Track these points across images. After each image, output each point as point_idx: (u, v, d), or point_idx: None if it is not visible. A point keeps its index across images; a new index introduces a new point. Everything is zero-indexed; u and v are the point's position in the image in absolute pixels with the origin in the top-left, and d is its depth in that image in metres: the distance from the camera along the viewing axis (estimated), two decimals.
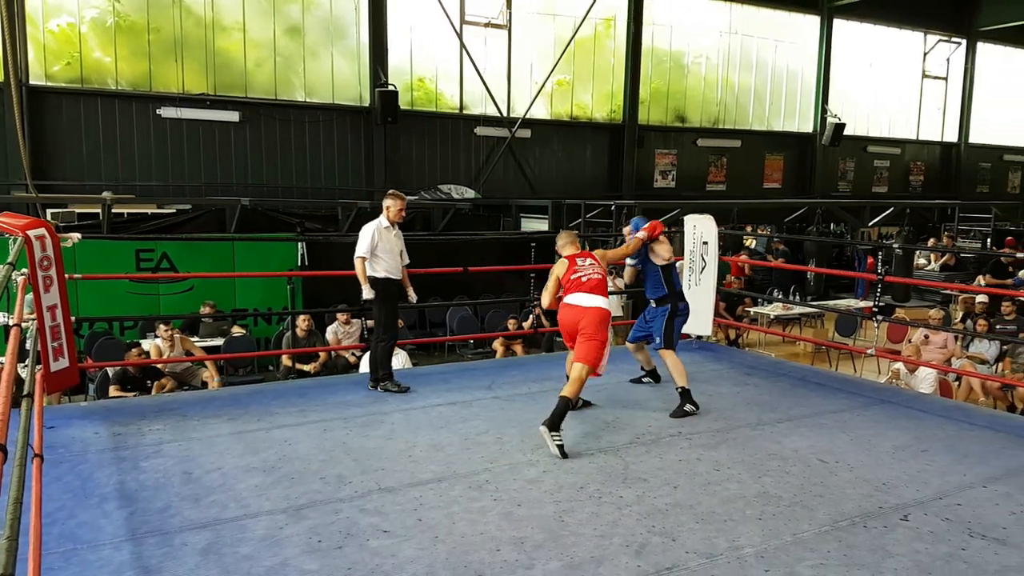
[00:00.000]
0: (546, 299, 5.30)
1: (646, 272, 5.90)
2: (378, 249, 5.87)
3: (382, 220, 5.94)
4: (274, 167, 14.89)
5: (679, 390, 5.54)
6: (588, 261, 5.16)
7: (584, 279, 5.04)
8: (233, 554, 3.30)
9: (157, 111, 13.87)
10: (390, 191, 6.16)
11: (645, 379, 6.32)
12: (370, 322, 9.48)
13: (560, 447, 4.53)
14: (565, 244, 5.37)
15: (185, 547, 3.36)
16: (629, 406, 5.70)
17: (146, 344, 8.79)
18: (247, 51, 14.61)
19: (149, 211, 12.30)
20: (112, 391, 7.74)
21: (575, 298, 5.01)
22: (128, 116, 13.75)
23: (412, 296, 6.28)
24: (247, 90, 14.66)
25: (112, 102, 13.69)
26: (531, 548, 3.39)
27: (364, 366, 8.15)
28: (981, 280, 14.39)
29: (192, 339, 9.12)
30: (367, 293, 5.90)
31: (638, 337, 6.07)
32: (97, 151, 13.61)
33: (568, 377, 5.10)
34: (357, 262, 5.88)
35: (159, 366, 8.16)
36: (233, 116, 14.42)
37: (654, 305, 5.89)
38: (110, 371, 8.04)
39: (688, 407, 5.46)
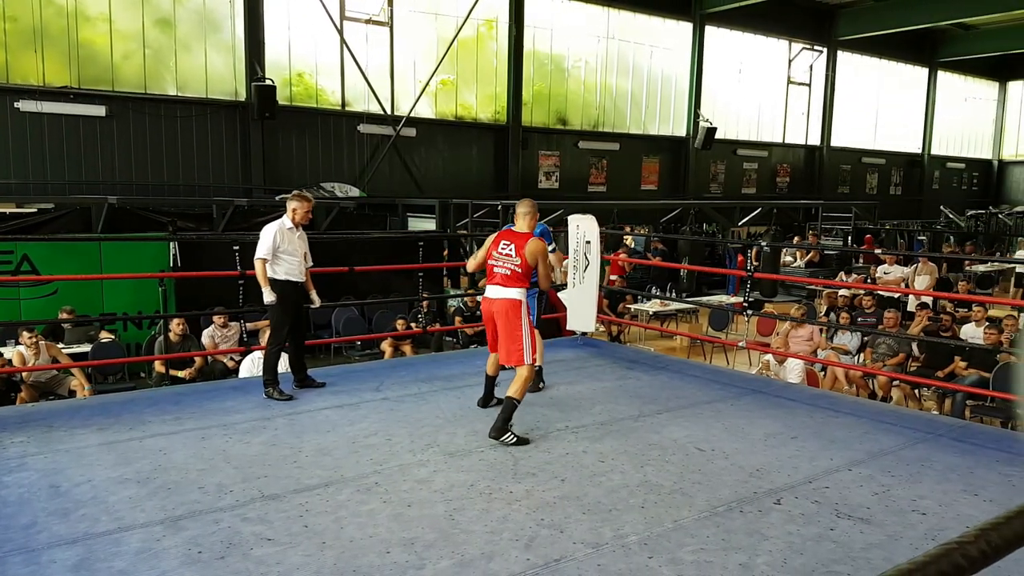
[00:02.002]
0: (470, 264, 5.46)
1: None
2: (279, 250, 5.71)
3: (285, 221, 5.79)
4: (144, 164, 14.22)
5: (537, 367, 6.06)
6: (508, 249, 5.02)
7: (496, 270, 5.04)
8: (107, 569, 3.15)
9: (15, 104, 13.01)
10: (295, 192, 5.99)
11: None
12: (250, 324, 9.23)
13: (517, 440, 4.72)
14: (519, 214, 5.18)
15: (54, 564, 3.17)
16: None
17: (7, 352, 8.25)
18: (114, 43, 13.89)
19: (7, 210, 11.53)
20: None
21: (488, 290, 5.11)
22: None
23: (315, 299, 6.14)
24: (114, 83, 13.95)
25: None
26: (422, 548, 3.38)
27: (244, 371, 7.91)
28: (843, 276, 15.26)
29: (58, 346, 8.61)
30: (268, 296, 5.71)
31: None
32: None
33: (487, 374, 5.50)
34: (257, 263, 5.70)
35: (23, 376, 7.67)
36: (99, 110, 13.68)
37: None
38: None
39: (541, 384, 6.10)
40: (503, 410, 4.80)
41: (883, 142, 28.10)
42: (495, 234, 5.23)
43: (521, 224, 5.15)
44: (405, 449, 4.66)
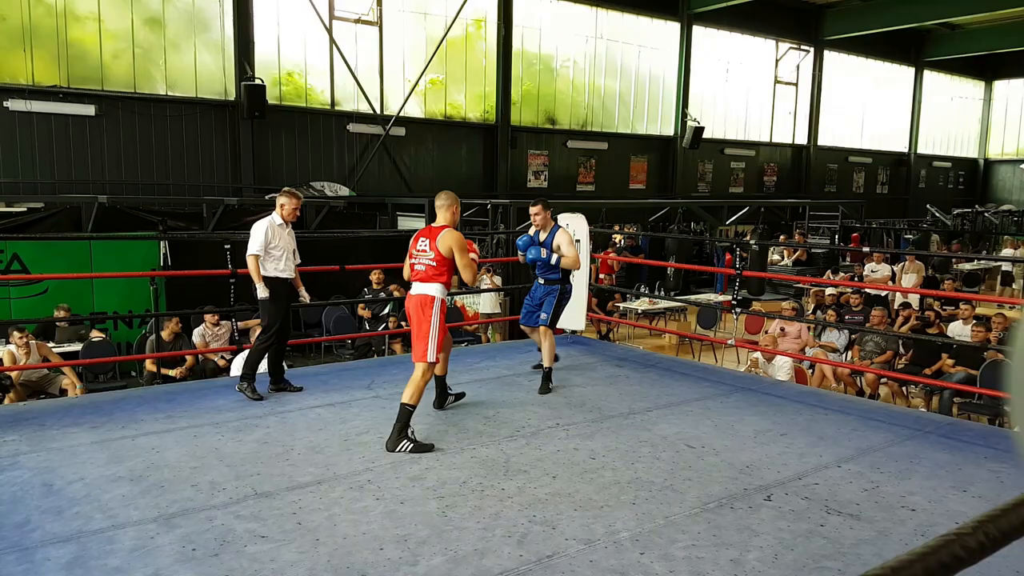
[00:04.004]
0: (405, 271, 5.18)
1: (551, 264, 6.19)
2: (271, 246, 5.73)
3: (275, 218, 5.81)
4: (134, 163, 14.17)
5: (545, 369, 6.07)
6: (424, 244, 4.90)
7: (416, 267, 4.94)
8: (101, 567, 3.16)
9: (4, 104, 12.91)
10: (285, 189, 6.04)
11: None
12: (241, 323, 9.24)
13: (416, 447, 4.57)
14: (437, 207, 5.06)
15: (48, 562, 3.18)
16: (509, 400, 5.80)
17: None
18: (103, 42, 13.82)
19: None
20: None
21: (411, 287, 4.98)
22: None
23: (305, 296, 6.17)
24: (103, 83, 13.88)
25: None
26: (415, 545, 3.41)
27: (235, 369, 7.90)
28: (831, 275, 15.34)
29: (48, 345, 8.59)
30: (262, 292, 5.72)
31: (531, 319, 6.31)
32: None
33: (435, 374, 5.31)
34: (250, 260, 5.71)
35: (11, 376, 7.65)
36: (89, 110, 13.61)
37: (542, 282, 6.24)
38: None
39: (553, 384, 6.07)
40: (397, 418, 4.64)
41: (870, 141, 28.24)
42: (414, 237, 5.06)
43: (441, 217, 5.02)
44: None
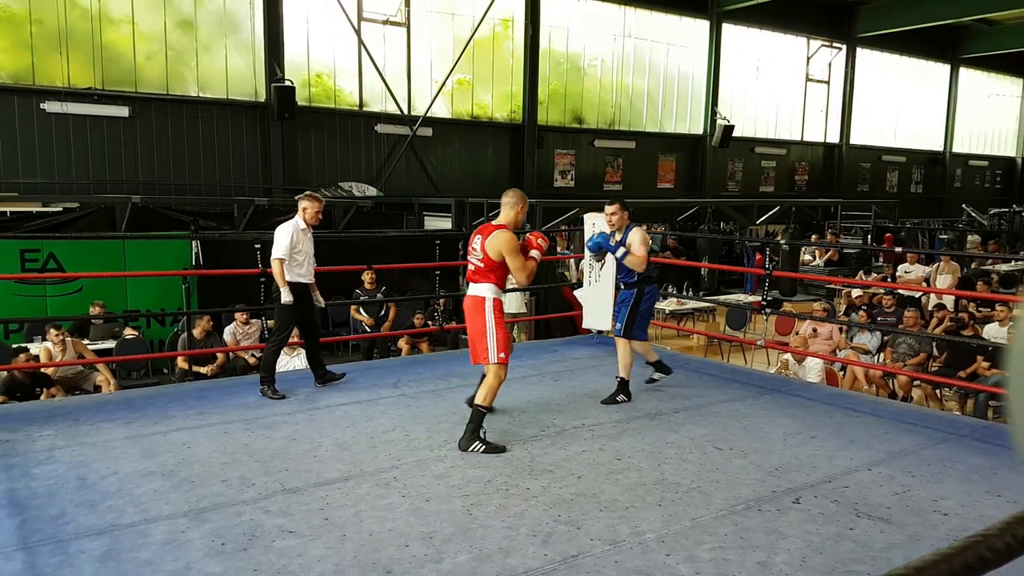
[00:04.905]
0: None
1: (618, 260, 5.95)
2: (294, 251, 5.74)
3: (298, 221, 5.80)
4: (166, 164, 14.37)
5: (618, 378, 5.80)
6: (476, 242, 4.83)
7: (469, 266, 4.90)
8: (133, 560, 3.21)
9: (41, 105, 13.17)
10: (307, 192, 6.00)
11: (656, 375, 6.31)
12: (271, 322, 9.32)
13: (488, 448, 4.58)
14: (502, 204, 4.94)
15: (82, 554, 3.25)
16: (534, 400, 5.80)
17: (34, 348, 8.38)
18: (137, 44, 14.04)
19: (34, 209, 11.68)
20: None
21: (468, 288, 4.95)
22: (9, 110, 12.99)
23: (319, 299, 6.14)
24: (137, 85, 14.09)
25: None
26: (440, 542, 3.42)
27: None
28: (863, 276, 15.16)
29: (83, 342, 8.75)
30: (286, 296, 5.72)
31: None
32: None
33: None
34: (275, 264, 5.71)
35: (48, 374, 7.79)
36: (123, 111, 13.84)
37: (623, 287, 6.01)
38: None
39: (620, 397, 5.73)
40: (470, 419, 4.68)
41: (903, 140, 27.84)
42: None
43: (503, 215, 4.91)
44: (423, 445, 4.71)
